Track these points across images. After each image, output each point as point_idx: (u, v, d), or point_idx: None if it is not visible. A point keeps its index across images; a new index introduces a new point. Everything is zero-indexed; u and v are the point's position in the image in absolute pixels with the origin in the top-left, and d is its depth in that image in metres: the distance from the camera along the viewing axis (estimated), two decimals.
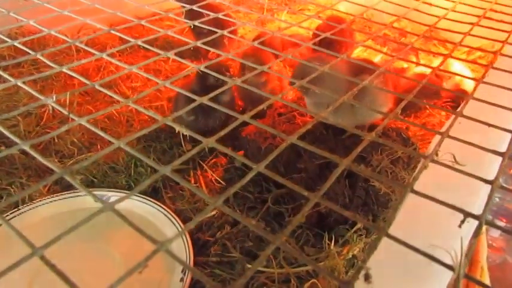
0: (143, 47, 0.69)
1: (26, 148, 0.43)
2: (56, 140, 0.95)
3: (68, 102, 1.03)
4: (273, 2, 1.76)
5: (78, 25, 1.30)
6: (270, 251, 0.33)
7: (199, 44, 0.69)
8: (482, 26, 0.81)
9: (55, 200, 0.79)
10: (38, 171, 0.88)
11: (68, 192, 0.80)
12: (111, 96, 1.14)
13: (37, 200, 0.78)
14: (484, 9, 0.90)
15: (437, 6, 0.93)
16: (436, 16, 0.85)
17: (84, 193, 0.80)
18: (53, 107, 0.53)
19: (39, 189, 0.82)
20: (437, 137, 0.47)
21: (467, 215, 0.35)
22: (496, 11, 0.89)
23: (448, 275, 0.32)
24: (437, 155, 0.44)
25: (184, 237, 0.70)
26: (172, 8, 1.38)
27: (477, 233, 0.33)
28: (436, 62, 1.23)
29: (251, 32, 1.50)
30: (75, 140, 0.95)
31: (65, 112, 0.50)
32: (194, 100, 0.54)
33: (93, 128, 0.47)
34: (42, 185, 0.40)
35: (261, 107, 0.52)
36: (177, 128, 0.48)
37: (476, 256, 0.87)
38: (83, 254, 0.71)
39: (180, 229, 0.72)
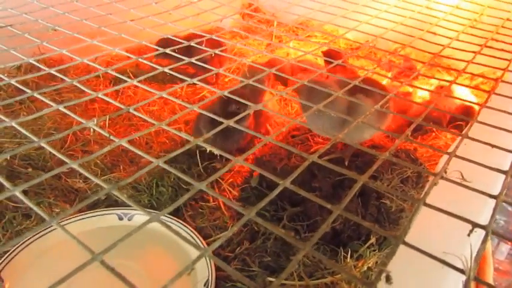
0: (169, 73, 0.74)
1: (75, 167, 0.48)
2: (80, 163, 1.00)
3: (107, 126, 1.09)
4: (281, 30, 1.84)
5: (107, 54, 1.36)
6: (300, 256, 0.37)
7: (221, 71, 0.74)
8: (484, 55, 0.86)
9: (82, 219, 0.83)
10: (64, 192, 0.92)
11: (95, 210, 0.85)
12: (129, 119, 1.22)
13: (65, 218, 0.82)
14: (485, 38, 0.95)
15: (441, 36, 0.98)
16: (440, 45, 0.90)
17: (107, 212, 0.85)
18: (92, 130, 0.58)
19: (65, 208, 0.87)
20: (445, 157, 0.52)
21: (475, 225, 0.39)
22: (497, 40, 0.95)
23: (459, 279, 0.36)
24: (446, 172, 0.48)
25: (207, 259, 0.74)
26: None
27: (485, 240, 0.37)
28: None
29: (261, 58, 1.57)
30: (98, 161, 1.00)
31: (106, 134, 0.55)
32: (215, 121, 0.59)
33: (132, 148, 0.52)
34: (91, 201, 0.44)
35: (283, 129, 0.57)
36: (208, 147, 0.53)
37: (482, 275, 0.90)
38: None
39: (201, 245, 0.76)
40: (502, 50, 0.89)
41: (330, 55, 1.08)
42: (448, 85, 0.74)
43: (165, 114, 1.22)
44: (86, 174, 0.48)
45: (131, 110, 0.61)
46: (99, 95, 0.65)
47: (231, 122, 0.58)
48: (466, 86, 0.99)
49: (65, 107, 0.61)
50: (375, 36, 0.97)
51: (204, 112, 0.64)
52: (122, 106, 0.62)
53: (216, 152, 0.52)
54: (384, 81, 1.43)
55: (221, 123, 0.59)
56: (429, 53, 0.88)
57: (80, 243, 0.38)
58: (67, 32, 0.87)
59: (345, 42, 1.72)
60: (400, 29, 1.00)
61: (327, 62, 1.07)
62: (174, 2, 1.10)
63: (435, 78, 0.93)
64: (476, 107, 1.09)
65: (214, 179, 0.92)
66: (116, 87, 0.72)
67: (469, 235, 0.38)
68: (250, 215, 0.42)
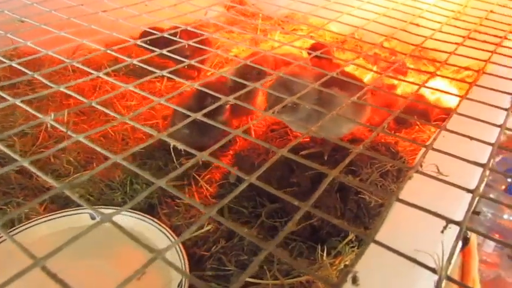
0: (138, 66, 0.71)
1: (26, 164, 0.44)
2: (52, 160, 0.96)
3: (65, 120, 1.04)
4: (266, 23, 1.81)
5: (74, 46, 1.32)
6: (262, 257, 0.35)
7: (193, 62, 0.71)
8: (467, 46, 0.84)
9: (52, 219, 0.80)
10: (34, 191, 0.89)
11: (65, 210, 0.81)
12: (106, 115, 1.18)
13: (34, 219, 0.79)
14: (468, 30, 0.94)
15: (424, 27, 0.96)
16: (423, 36, 0.88)
17: (79, 211, 0.82)
18: (50, 125, 0.54)
19: (35, 208, 0.83)
20: (423, 150, 0.49)
21: (449, 221, 0.37)
22: (480, 32, 0.93)
23: (433, 279, 0.33)
24: (421, 166, 0.46)
25: (180, 252, 0.71)
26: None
27: (458, 237, 0.34)
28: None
29: (245, 52, 1.54)
30: (71, 159, 0.96)
31: (63, 129, 0.51)
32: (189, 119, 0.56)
33: (90, 144, 0.48)
34: (40, 201, 0.42)
35: (253, 122, 0.54)
36: (172, 142, 0.50)
37: (467, 268, 0.89)
38: (81, 271, 0.72)
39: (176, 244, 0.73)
40: (485, 41, 0.87)
41: (316, 49, 1.05)
42: (429, 76, 0.71)
43: (143, 111, 1.19)
44: (38, 172, 0.44)
45: (94, 104, 0.58)
46: (61, 89, 0.62)
47: (198, 115, 0.55)
48: (451, 79, 0.97)
49: (22, 101, 0.57)
50: (357, 27, 0.95)
51: (171, 105, 0.61)
52: (85, 100, 0.59)
53: (180, 146, 0.49)
54: (369, 75, 1.41)
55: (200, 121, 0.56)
56: (412, 44, 0.86)
57: (23, 249, 0.35)
58: (35, 23, 0.83)
59: (331, 35, 1.70)
60: (384, 21, 0.98)
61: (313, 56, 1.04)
62: None
63: (416, 69, 0.91)
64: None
65: (188, 176, 0.91)
66: (80, 80, 0.68)
67: (442, 232, 0.36)
68: (210, 213, 0.39)
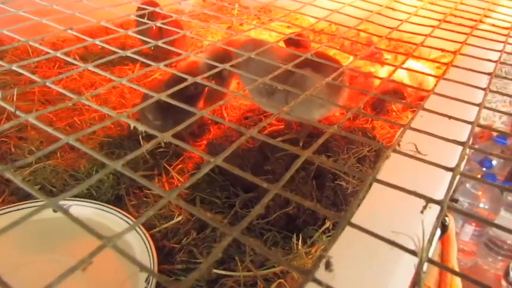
0: (101, 46, 0.66)
1: None
2: (13, 150, 0.90)
3: (14, 99, 0.98)
4: (243, 15, 1.77)
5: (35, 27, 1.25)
6: (226, 243, 0.31)
7: (160, 43, 0.67)
8: (443, 29, 0.83)
9: (9, 211, 0.75)
10: None
11: (24, 202, 0.76)
12: (74, 104, 1.12)
13: None
14: (444, 14, 0.92)
15: (400, 11, 0.95)
16: (399, 20, 0.86)
17: (35, 204, 0.77)
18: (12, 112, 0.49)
19: None
20: (401, 130, 0.47)
21: (429, 200, 0.34)
22: (455, 16, 0.92)
23: (413, 262, 0.30)
24: (399, 145, 0.43)
25: (148, 245, 0.67)
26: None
27: (439, 217, 0.32)
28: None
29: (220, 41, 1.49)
30: (33, 148, 0.90)
31: (11, 109, 0.47)
32: (163, 105, 0.52)
33: (40, 125, 0.44)
34: None
35: (221, 103, 0.51)
36: (132, 124, 0.46)
37: (446, 256, 0.87)
38: (40, 266, 0.67)
39: (143, 236, 0.69)
40: (461, 24, 0.86)
41: (293, 41, 1.02)
42: (406, 58, 0.69)
43: (113, 98, 1.13)
44: None
45: (48, 83, 0.53)
46: (13, 67, 0.57)
47: (163, 96, 0.51)
48: (425, 59, 0.95)
49: None
50: (332, 10, 0.92)
51: (134, 86, 0.57)
52: (38, 79, 0.54)
53: (140, 128, 0.45)
54: (346, 63, 1.39)
55: (168, 107, 0.52)
56: (388, 27, 0.84)
57: None
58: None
59: (307, 23, 1.67)
60: (359, 5, 0.96)
61: (289, 45, 1.01)
62: None
63: (392, 51, 0.89)
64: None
65: (159, 166, 0.87)
66: (36, 59, 0.63)
67: (422, 212, 0.33)
68: (170, 196, 0.35)
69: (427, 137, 0.45)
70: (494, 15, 0.97)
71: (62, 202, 0.79)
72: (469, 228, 1.95)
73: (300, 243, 0.63)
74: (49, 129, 0.44)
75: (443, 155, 0.47)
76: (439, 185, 0.45)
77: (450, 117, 0.50)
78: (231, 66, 0.60)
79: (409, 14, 0.92)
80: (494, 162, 2.02)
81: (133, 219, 0.73)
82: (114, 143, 0.92)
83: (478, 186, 1.89)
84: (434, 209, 0.34)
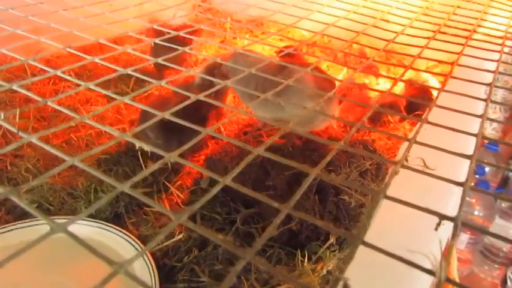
0: (101, 64, 0.66)
1: None
2: (9, 167, 0.89)
3: (17, 120, 0.97)
4: (236, 28, 1.77)
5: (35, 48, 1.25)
6: (240, 267, 0.30)
7: (160, 60, 0.66)
8: (438, 40, 0.84)
9: (6, 231, 0.73)
10: None
11: (20, 222, 0.74)
12: (69, 121, 1.10)
13: None
14: (438, 25, 0.93)
15: (395, 23, 0.96)
16: (394, 32, 0.87)
17: (37, 222, 0.76)
18: (6, 129, 0.48)
19: None
20: (405, 145, 0.47)
21: (442, 217, 0.34)
22: (449, 26, 0.93)
23: (428, 280, 0.30)
24: (407, 160, 0.43)
25: (149, 263, 0.66)
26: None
27: (454, 235, 0.31)
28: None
29: (214, 54, 1.50)
30: (30, 166, 0.89)
31: (14, 130, 0.46)
32: (167, 124, 0.51)
33: (44, 146, 0.43)
34: None
35: (225, 120, 0.50)
36: (137, 143, 0.45)
37: (448, 268, 0.87)
38: (42, 286, 0.66)
39: (144, 255, 0.68)
40: (456, 35, 0.87)
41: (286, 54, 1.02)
42: (404, 70, 0.69)
43: (109, 114, 1.12)
44: None
45: (49, 103, 0.53)
46: (14, 87, 0.56)
47: (167, 114, 0.51)
48: (422, 71, 0.96)
49: None
50: (328, 24, 0.93)
51: (137, 105, 0.56)
52: (39, 99, 0.53)
53: (146, 148, 0.45)
54: (340, 75, 1.40)
55: (173, 126, 0.51)
56: (384, 40, 0.85)
57: None
58: None
59: (300, 35, 1.68)
60: (353, 17, 0.97)
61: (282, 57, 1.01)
62: None
63: (390, 63, 0.89)
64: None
65: (158, 182, 0.86)
66: (36, 78, 0.62)
67: (436, 229, 0.33)
68: (180, 219, 0.35)
69: (430, 150, 0.45)
70: (486, 24, 0.98)
71: (59, 221, 0.78)
72: (464, 237, 1.95)
73: (305, 260, 0.63)
74: (54, 151, 0.43)
75: (449, 168, 0.47)
76: (447, 200, 0.44)
77: (455, 130, 0.50)
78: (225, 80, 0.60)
79: (404, 25, 0.92)
80: (487, 169, 2.04)
81: (133, 238, 0.72)
82: (111, 160, 0.91)
83: (472, 193, 1.89)
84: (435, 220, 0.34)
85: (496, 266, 1.92)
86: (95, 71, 1.31)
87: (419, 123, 0.52)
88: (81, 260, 0.70)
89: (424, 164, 0.43)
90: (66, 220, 0.32)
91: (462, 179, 0.39)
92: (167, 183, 0.86)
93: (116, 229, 0.72)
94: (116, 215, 0.78)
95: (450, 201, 0.45)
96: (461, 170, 0.48)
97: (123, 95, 1.12)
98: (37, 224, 0.74)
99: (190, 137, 0.50)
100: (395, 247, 0.32)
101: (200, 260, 0.69)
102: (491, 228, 1.87)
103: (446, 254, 0.31)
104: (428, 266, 0.30)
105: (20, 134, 0.46)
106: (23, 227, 0.73)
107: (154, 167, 0.42)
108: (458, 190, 0.39)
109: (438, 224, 0.33)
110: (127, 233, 0.72)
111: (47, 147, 0.43)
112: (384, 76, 0.89)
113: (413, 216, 0.38)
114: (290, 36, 1.65)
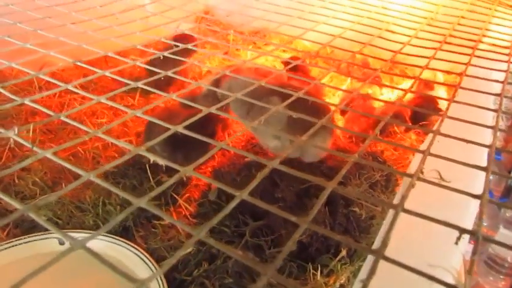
0: (110, 80, 0.66)
1: None
2: (17, 181, 0.89)
3: (31, 135, 0.97)
4: (239, 39, 1.78)
5: (41, 61, 1.26)
6: (262, 284, 0.30)
7: (170, 73, 0.67)
8: (444, 51, 0.84)
9: (15, 245, 0.73)
10: None
11: (29, 235, 0.74)
12: (75, 133, 1.11)
13: None
14: (443, 35, 0.94)
15: (400, 34, 0.96)
16: (400, 43, 0.87)
17: (46, 236, 0.75)
18: (14, 142, 0.49)
19: None
20: (418, 157, 0.47)
21: (462, 231, 0.34)
22: (454, 37, 0.93)
23: None
24: (422, 173, 0.43)
25: (159, 278, 0.66)
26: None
27: (476, 250, 0.31)
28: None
29: (218, 66, 1.51)
30: (37, 179, 0.89)
31: (28, 145, 0.46)
32: (174, 139, 0.51)
33: (60, 161, 0.43)
34: (2, 225, 0.36)
35: (238, 133, 0.50)
36: (152, 157, 0.45)
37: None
38: None
39: (153, 268, 0.68)
40: (462, 45, 0.87)
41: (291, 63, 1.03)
42: (414, 81, 0.70)
43: (115, 127, 1.12)
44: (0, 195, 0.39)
45: (62, 117, 0.53)
46: (26, 101, 0.56)
47: (179, 128, 0.51)
48: (433, 82, 0.96)
49: None
50: (333, 35, 0.93)
51: (149, 118, 0.57)
52: (51, 113, 0.53)
53: (161, 162, 0.45)
54: (344, 86, 1.40)
55: (178, 139, 0.51)
56: (390, 50, 0.85)
57: None
58: None
59: (304, 47, 1.69)
60: (358, 28, 0.97)
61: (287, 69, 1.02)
62: (120, 6, 1.02)
63: (401, 75, 0.89)
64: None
65: (166, 195, 0.85)
66: (46, 93, 0.62)
67: (456, 243, 0.33)
68: (199, 235, 0.35)
69: (441, 161, 0.45)
70: (491, 34, 0.99)
71: (74, 235, 0.78)
72: (469, 246, 1.94)
73: (318, 273, 0.62)
74: (69, 165, 0.43)
75: (464, 180, 0.46)
76: (464, 212, 0.44)
77: (468, 141, 0.50)
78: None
79: (409, 36, 0.93)
80: (490, 178, 2.03)
81: (143, 252, 0.71)
82: (119, 173, 0.91)
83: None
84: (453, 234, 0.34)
85: (501, 276, 1.90)
86: (100, 83, 1.31)
87: (431, 134, 0.52)
88: (91, 273, 0.70)
89: (440, 176, 0.43)
90: (83, 235, 0.32)
91: (475, 190, 0.39)
92: (175, 196, 0.86)
93: (126, 243, 0.72)
94: (125, 228, 0.78)
95: (466, 214, 0.45)
96: (475, 181, 0.48)
97: (130, 108, 1.12)
98: (46, 238, 0.74)
99: (196, 150, 0.50)
100: (414, 261, 0.32)
101: (210, 274, 0.68)
102: (496, 237, 1.86)
103: (468, 269, 0.31)
104: (450, 281, 0.29)
105: (35, 149, 0.46)
106: (33, 240, 0.73)
107: (170, 181, 0.42)
108: (474, 202, 0.39)
109: (458, 238, 0.33)
110: (137, 247, 0.71)
111: (62, 163, 0.43)
112: (384, 85, 0.89)
113: (429, 230, 0.38)
114: (293, 47, 1.66)
